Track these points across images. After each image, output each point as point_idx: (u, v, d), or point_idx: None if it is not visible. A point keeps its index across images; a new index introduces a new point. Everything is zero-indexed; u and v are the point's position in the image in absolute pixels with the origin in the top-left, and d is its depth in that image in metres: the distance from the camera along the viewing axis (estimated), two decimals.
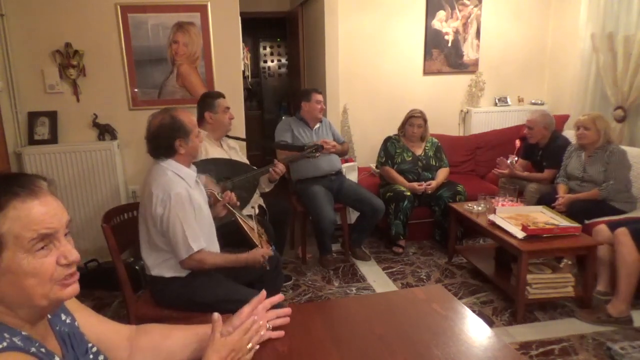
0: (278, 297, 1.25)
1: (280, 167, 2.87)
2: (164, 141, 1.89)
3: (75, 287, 0.87)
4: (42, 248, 0.80)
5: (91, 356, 0.96)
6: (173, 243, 1.86)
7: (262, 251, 2.02)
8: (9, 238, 0.77)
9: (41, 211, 0.80)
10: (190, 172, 1.97)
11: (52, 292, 0.82)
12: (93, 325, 1.04)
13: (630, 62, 3.63)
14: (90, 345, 0.98)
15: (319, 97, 3.39)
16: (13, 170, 3.23)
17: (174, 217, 1.83)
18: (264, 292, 1.22)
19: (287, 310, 1.24)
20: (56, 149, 3.25)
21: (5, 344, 0.74)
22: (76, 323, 0.98)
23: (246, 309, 1.16)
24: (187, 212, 1.86)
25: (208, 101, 2.79)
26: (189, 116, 1.96)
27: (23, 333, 0.80)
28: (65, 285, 0.84)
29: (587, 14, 3.97)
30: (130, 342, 1.11)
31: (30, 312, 0.83)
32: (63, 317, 0.95)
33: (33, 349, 0.79)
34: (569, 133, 3.62)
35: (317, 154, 3.10)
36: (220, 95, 2.84)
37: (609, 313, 2.49)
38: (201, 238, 1.91)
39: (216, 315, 1.10)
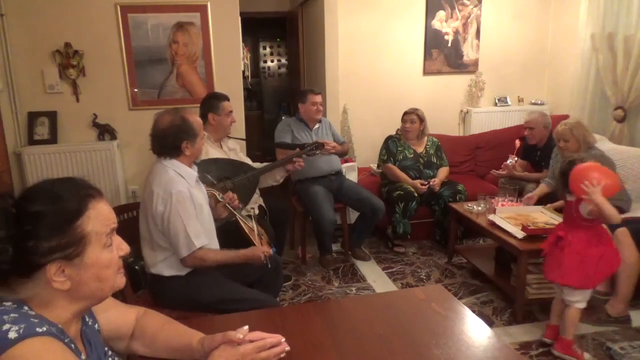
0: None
1: (301, 162, 2.86)
2: (171, 141, 1.90)
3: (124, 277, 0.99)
4: (110, 242, 0.92)
5: (109, 359, 1.03)
6: (174, 241, 1.86)
7: (263, 248, 2.02)
8: (93, 236, 0.88)
9: (108, 209, 0.93)
10: (192, 172, 1.97)
11: (115, 281, 0.94)
12: (111, 312, 1.14)
13: (630, 62, 3.63)
14: (106, 349, 1.04)
15: (315, 98, 3.36)
16: (13, 170, 3.24)
17: (175, 215, 1.84)
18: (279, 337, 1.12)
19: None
20: (56, 149, 3.25)
21: (45, 328, 0.80)
22: (96, 326, 1.04)
23: (268, 336, 1.11)
24: (188, 209, 1.86)
25: (213, 102, 2.77)
26: (196, 118, 1.98)
27: (59, 326, 0.85)
28: (122, 274, 0.96)
29: (587, 14, 3.97)
30: (133, 325, 1.19)
31: (87, 305, 0.93)
32: (87, 318, 1.00)
33: (66, 341, 0.85)
34: None
35: (317, 152, 3.10)
36: (225, 97, 2.82)
37: (608, 313, 2.49)
38: (203, 235, 1.91)
39: (246, 327, 1.09)
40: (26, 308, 0.84)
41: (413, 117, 3.65)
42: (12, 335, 0.76)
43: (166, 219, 1.84)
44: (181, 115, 1.93)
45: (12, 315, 0.80)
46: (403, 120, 3.70)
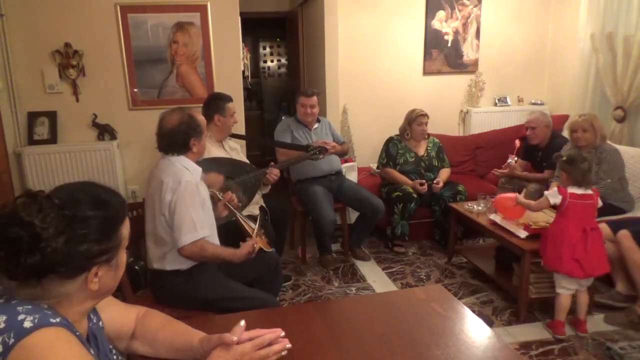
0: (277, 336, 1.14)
1: (275, 173, 2.89)
2: (180, 138, 1.94)
3: None
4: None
5: (114, 357, 1.04)
6: (177, 229, 1.87)
7: (250, 242, 2.04)
8: (124, 240, 0.93)
9: None
10: (198, 167, 2.01)
11: None
12: (112, 310, 1.15)
13: (630, 62, 3.63)
14: (110, 347, 1.05)
15: (305, 100, 3.32)
16: (13, 170, 3.23)
17: (181, 203, 1.86)
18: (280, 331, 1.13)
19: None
20: (56, 149, 3.25)
21: (58, 319, 0.83)
22: (100, 323, 1.05)
23: (267, 332, 1.11)
24: (195, 199, 1.89)
25: (220, 104, 2.79)
26: (202, 117, 2.05)
27: (69, 320, 0.88)
28: None
29: (586, 14, 3.97)
30: (134, 324, 1.19)
31: (97, 302, 0.97)
32: (92, 316, 1.02)
33: (77, 334, 0.87)
34: (566, 134, 3.60)
35: (320, 156, 3.10)
36: (230, 99, 2.85)
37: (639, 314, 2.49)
38: (206, 226, 1.93)
39: (243, 322, 1.09)
40: (38, 301, 0.85)
41: (427, 120, 3.62)
42: (27, 324, 0.78)
43: (173, 206, 1.87)
44: (189, 113, 1.98)
45: (26, 306, 0.81)
46: (419, 122, 3.60)
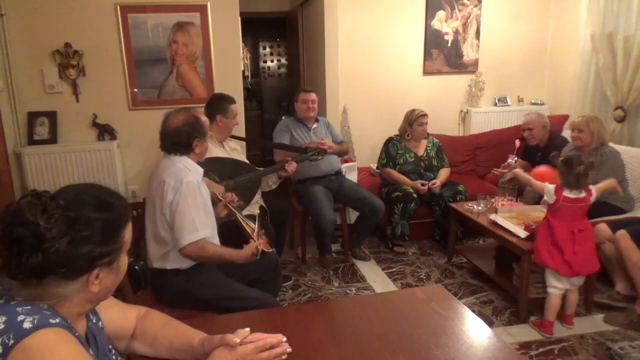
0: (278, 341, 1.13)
1: (293, 166, 2.94)
2: (184, 139, 1.96)
3: None
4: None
5: (113, 357, 1.04)
6: (179, 229, 1.88)
7: (254, 244, 2.04)
8: (126, 243, 0.94)
9: None
10: (199, 168, 2.02)
11: None
12: (112, 310, 1.15)
13: (630, 62, 3.63)
14: (110, 347, 1.05)
15: (306, 96, 3.34)
16: (13, 170, 3.23)
17: (183, 203, 1.87)
18: (280, 336, 1.12)
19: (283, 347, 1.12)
20: (56, 149, 3.25)
21: (58, 320, 0.83)
22: (100, 324, 1.05)
23: (269, 336, 1.11)
24: (196, 200, 1.90)
25: (223, 105, 2.80)
26: (205, 118, 2.06)
27: (68, 321, 0.88)
28: None
29: (586, 14, 3.97)
30: (134, 324, 1.19)
31: (95, 305, 0.98)
32: (91, 316, 1.02)
33: (76, 335, 0.87)
34: (568, 133, 3.61)
35: (319, 158, 3.11)
36: (233, 100, 2.86)
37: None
38: (207, 227, 1.94)
39: (248, 329, 1.10)
40: (37, 301, 0.85)
41: (427, 120, 3.62)
42: (26, 325, 0.78)
43: (174, 206, 1.88)
44: (193, 114, 2.00)
45: (25, 307, 0.82)
46: (419, 123, 3.61)
